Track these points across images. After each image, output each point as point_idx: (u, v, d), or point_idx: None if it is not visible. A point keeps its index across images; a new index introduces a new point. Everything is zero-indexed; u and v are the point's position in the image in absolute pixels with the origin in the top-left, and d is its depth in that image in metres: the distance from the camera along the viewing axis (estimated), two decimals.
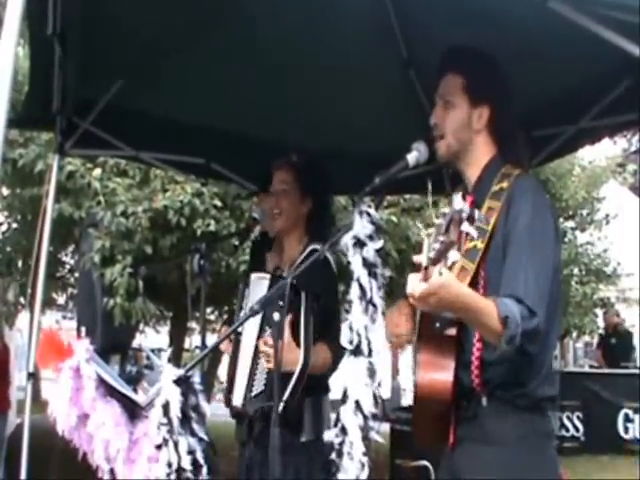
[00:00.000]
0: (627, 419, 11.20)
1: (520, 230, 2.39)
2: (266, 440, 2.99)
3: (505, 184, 2.48)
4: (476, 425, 2.45)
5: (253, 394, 3.29)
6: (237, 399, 3.37)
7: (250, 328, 3.34)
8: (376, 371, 2.49)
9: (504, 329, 2.22)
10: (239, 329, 3.36)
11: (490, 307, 2.24)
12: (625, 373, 12.33)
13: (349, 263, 2.56)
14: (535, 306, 2.28)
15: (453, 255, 2.03)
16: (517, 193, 2.45)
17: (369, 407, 2.46)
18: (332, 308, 3.37)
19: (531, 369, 2.41)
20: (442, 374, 2.41)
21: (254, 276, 3.53)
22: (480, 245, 2.35)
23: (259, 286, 3.44)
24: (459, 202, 2.08)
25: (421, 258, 2.08)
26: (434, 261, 2.04)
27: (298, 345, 3.18)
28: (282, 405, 3.08)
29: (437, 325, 2.41)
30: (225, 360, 3.70)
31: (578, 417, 10.90)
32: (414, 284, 2.10)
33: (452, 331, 2.42)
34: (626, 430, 11.19)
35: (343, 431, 2.47)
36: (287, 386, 3.14)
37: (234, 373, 3.42)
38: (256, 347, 3.27)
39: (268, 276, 3.44)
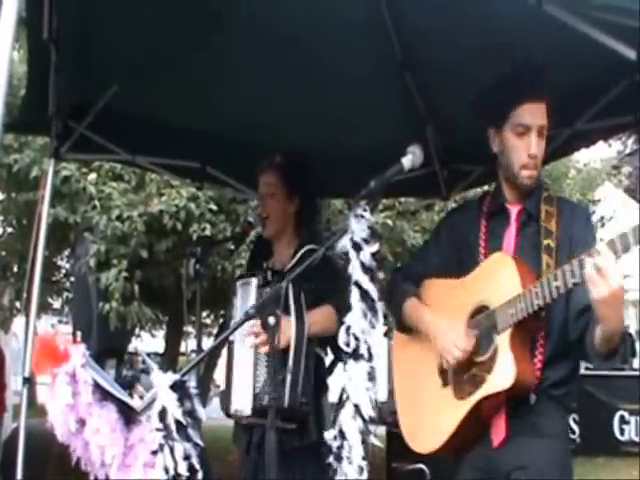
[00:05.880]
0: (623, 421, 11.21)
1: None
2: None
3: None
4: (526, 420, 2.63)
5: (258, 389, 3.28)
6: (237, 403, 3.35)
7: (242, 333, 3.33)
8: (376, 376, 2.50)
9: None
10: (231, 337, 3.36)
11: None
12: (621, 375, 12.34)
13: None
14: None
15: None
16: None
17: (369, 411, 2.46)
18: (330, 276, 3.30)
19: (577, 370, 2.76)
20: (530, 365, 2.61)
21: (239, 283, 3.53)
22: (553, 244, 2.68)
23: (246, 290, 3.44)
24: None
25: None
26: None
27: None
28: (288, 383, 3.11)
29: None
30: (221, 364, 3.69)
31: (574, 419, 10.89)
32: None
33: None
34: (622, 432, 11.20)
35: (342, 435, 2.46)
36: (287, 361, 3.17)
37: (230, 380, 3.42)
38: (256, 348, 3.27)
39: (254, 279, 3.43)
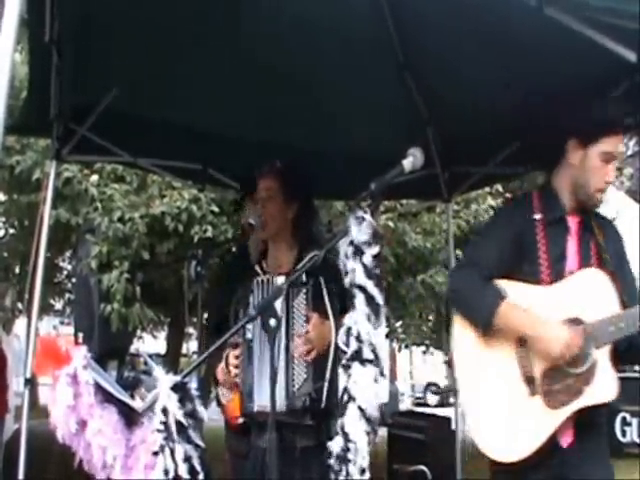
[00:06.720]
0: (625, 422, 11.19)
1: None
2: (291, 444, 3.04)
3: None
4: (589, 420, 2.80)
5: (296, 387, 3.27)
6: (264, 400, 3.33)
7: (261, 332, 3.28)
8: (379, 379, 2.50)
9: None
10: (248, 335, 3.33)
11: None
12: (623, 377, 12.27)
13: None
14: None
15: None
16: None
17: (373, 412, 2.46)
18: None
19: None
20: None
21: (257, 280, 3.47)
22: (609, 258, 2.86)
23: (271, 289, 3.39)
24: None
25: None
26: None
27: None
28: (326, 385, 3.16)
29: None
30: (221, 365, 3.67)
31: None
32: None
33: None
34: (624, 434, 11.18)
35: (345, 436, 2.46)
36: (327, 362, 3.19)
37: (251, 378, 3.39)
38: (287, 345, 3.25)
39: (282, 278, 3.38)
